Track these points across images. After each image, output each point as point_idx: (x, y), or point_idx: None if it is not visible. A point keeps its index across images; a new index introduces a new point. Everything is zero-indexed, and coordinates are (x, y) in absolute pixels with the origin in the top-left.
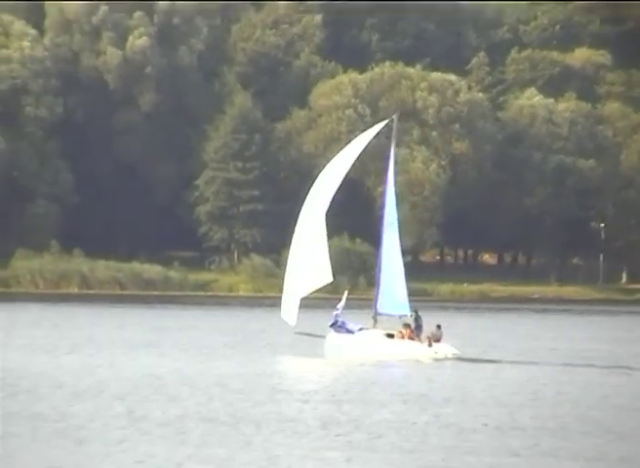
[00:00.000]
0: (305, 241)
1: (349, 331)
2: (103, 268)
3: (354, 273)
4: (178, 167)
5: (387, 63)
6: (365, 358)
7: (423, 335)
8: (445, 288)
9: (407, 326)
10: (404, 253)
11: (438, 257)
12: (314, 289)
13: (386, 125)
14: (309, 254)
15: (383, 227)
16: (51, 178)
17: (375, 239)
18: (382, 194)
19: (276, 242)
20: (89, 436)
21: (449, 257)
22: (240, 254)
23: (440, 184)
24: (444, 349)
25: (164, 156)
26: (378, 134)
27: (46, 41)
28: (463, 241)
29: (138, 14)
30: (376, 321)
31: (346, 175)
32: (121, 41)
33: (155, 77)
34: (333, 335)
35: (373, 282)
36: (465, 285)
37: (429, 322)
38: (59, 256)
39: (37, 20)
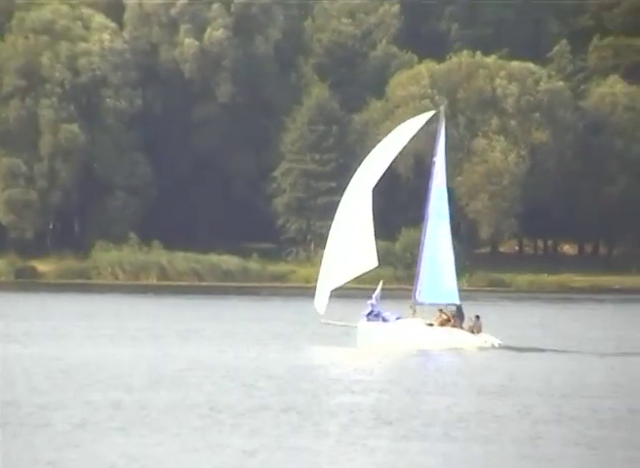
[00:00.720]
0: (349, 224)
1: (385, 321)
2: (182, 260)
3: None
4: (255, 158)
5: (465, 53)
6: (404, 346)
7: (465, 325)
8: (524, 278)
9: (442, 312)
10: (483, 243)
11: (517, 248)
12: (358, 274)
13: (435, 115)
14: (354, 238)
15: (428, 217)
16: (130, 171)
17: (453, 229)
18: (460, 185)
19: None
20: (167, 424)
21: (528, 248)
22: (317, 246)
23: (519, 174)
24: (489, 339)
25: (241, 148)
26: (426, 122)
27: (125, 34)
28: (543, 231)
29: (215, 5)
30: (414, 311)
31: (423, 164)
32: (199, 33)
33: (232, 68)
34: (367, 324)
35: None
36: (545, 275)
37: (503, 315)
38: (138, 248)
39: (116, 14)
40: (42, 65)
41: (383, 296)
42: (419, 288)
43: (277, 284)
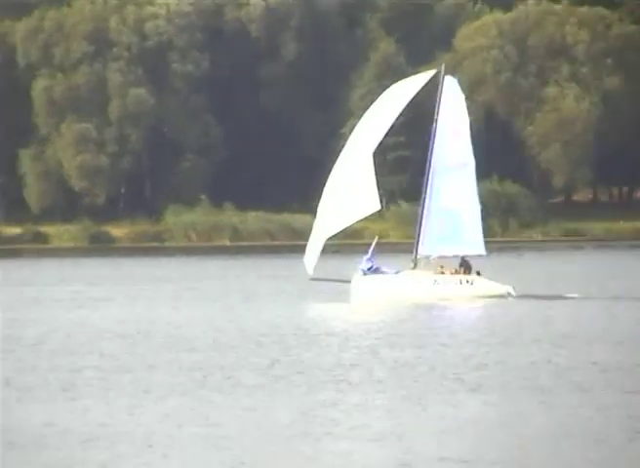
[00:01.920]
0: (350, 171)
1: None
2: (254, 220)
3: (504, 215)
4: (323, 116)
5: (532, 1)
6: (408, 298)
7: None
8: (599, 226)
9: (442, 268)
10: (556, 192)
11: (591, 196)
12: (360, 217)
13: (435, 76)
14: (354, 182)
15: (433, 171)
16: (199, 133)
17: (526, 180)
18: (531, 134)
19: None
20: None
21: (602, 196)
22: (388, 201)
23: (592, 121)
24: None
25: (309, 106)
26: (424, 85)
27: None
28: (618, 178)
29: None
30: (415, 265)
31: (494, 116)
32: None
33: (298, 27)
34: (363, 278)
35: (524, 223)
36: (621, 223)
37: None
38: (209, 210)
39: None
40: (109, 30)
41: (384, 251)
42: (422, 240)
43: (350, 241)
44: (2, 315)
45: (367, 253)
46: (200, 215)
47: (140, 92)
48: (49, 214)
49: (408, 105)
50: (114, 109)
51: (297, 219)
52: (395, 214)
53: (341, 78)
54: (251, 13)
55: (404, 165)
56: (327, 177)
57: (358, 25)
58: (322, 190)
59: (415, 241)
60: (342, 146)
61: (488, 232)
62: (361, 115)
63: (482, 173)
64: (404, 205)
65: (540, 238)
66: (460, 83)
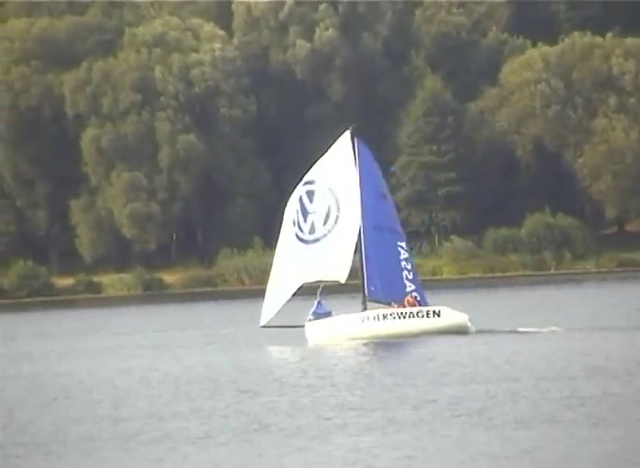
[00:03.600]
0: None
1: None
2: None
3: (558, 247)
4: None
5: (576, 34)
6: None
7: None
8: None
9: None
10: (609, 223)
11: None
12: (326, 279)
13: (343, 136)
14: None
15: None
16: (248, 177)
17: (578, 211)
18: (582, 166)
19: (476, 222)
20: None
21: None
22: (441, 238)
23: None
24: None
25: None
26: (337, 145)
27: (235, 40)
28: None
29: (323, 5)
30: (365, 307)
31: (543, 149)
32: (308, 34)
33: (343, 67)
34: (317, 322)
35: (578, 255)
36: None
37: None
38: (262, 253)
39: (225, 21)
40: (156, 79)
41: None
42: (369, 285)
43: None
44: (59, 366)
45: (317, 296)
46: (252, 259)
47: (189, 138)
48: (101, 264)
49: (459, 141)
50: (163, 157)
51: None
52: (448, 251)
53: (388, 116)
54: (296, 55)
55: (455, 200)
56: None
57: (403, 63)
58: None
59: (360, 283)
60: (393, 183)
61: (542, 265)
62: (410, 153)
63: (534, 206)
64: (457, 240)
65: (594, 269)
66: (510, 117)
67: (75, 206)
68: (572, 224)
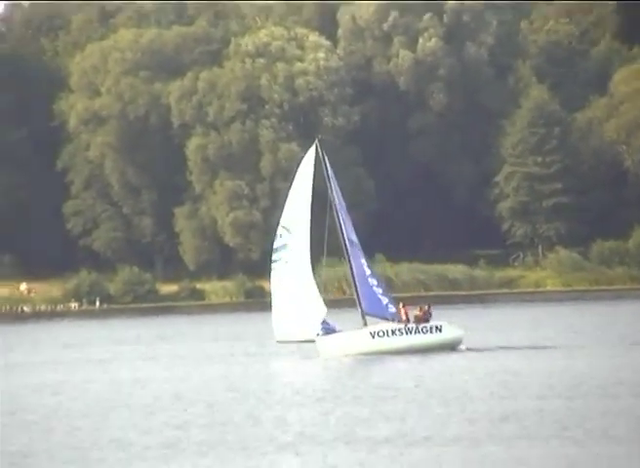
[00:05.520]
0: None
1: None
2: (407, 271)
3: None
4: (475, 165)
5: None
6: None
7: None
8: None
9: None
10: None
11: None
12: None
13: (316, 148)
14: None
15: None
16: (351, 187)
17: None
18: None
19: (583, 234)
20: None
21: None
22: (545, 249)
23: None
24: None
25: (460, 155)
26: (308, 157)
27: (339, 50)
28: None
29: (427, 15)
30: (365, 322)
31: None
32: (411, 43)
33: (446, 77)
34: (327, 337)
35: None
36: None
37: None
38: None
39: (330, 31)
40: (261, 88)
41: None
42: (364, 302)
43: (505, 290)
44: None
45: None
46: None
47: (291, 147)
48: (204, 271)
49: (565, 151)
50: (266, 165)
51: (451, 270)
52: (553, 262)
53: (493, 126)
54: (399, 65)
55: (561, 212)
56: (480, 226)
57: (508, 72)
58: (475, 238)
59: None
60: (496, 194)
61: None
62: (514, 163)
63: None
64: (562, 252)
65: None
66: (618, 128)
67: (179, 213)
68: None
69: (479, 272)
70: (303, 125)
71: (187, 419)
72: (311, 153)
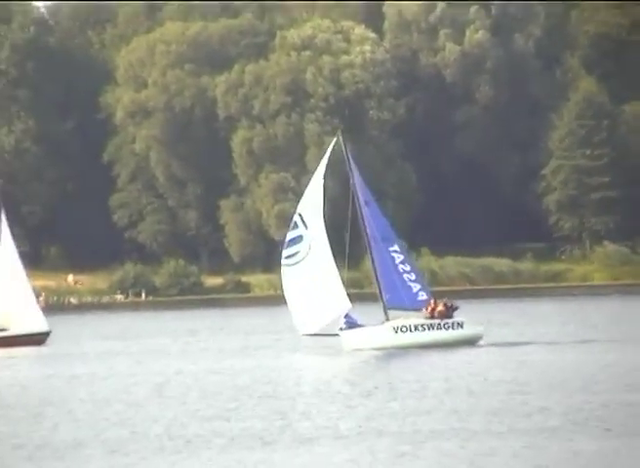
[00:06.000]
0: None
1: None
2: (452, 264)
3: None
4: (521, 158)
5: None
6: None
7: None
8: None
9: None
10: None
11: None
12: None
13: (336, 142)
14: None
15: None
16: (396, 180)
17: None
18: None
19: (631, 228)
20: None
21: None
22: (592, 243)
23: None
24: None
25: (506, 148)
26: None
27: (385, 43)
28: None
29: (474, 8)
30: (387, 316)
31: None
32: (458, 36)
33: (493, 69)
34: (351, 331)
35: None
36: None
37: None
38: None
39: (376, 24)
40: (306, 81)
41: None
42: (385, 294)
43: (552, 284)
44: (217, 363)
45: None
46: None
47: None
48: (249, 264)
49: (614, 144)
50: (311, 158)
51: (496, 263)
52: (600, 256)
53: (539, 119)
54: (446, 58)
55: (609, 205)
56: (526, 219)
57: (556, 64)
58: (521, 231)
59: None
60: (543, 187)
61: None
62: (561, 156)
63: None
64: (610, 246)
65: None
66: None
67: (225, 206)
68: None
69: (525, 265)
70: (349, 118)
71: (215, 413)
72: (332, 145)
